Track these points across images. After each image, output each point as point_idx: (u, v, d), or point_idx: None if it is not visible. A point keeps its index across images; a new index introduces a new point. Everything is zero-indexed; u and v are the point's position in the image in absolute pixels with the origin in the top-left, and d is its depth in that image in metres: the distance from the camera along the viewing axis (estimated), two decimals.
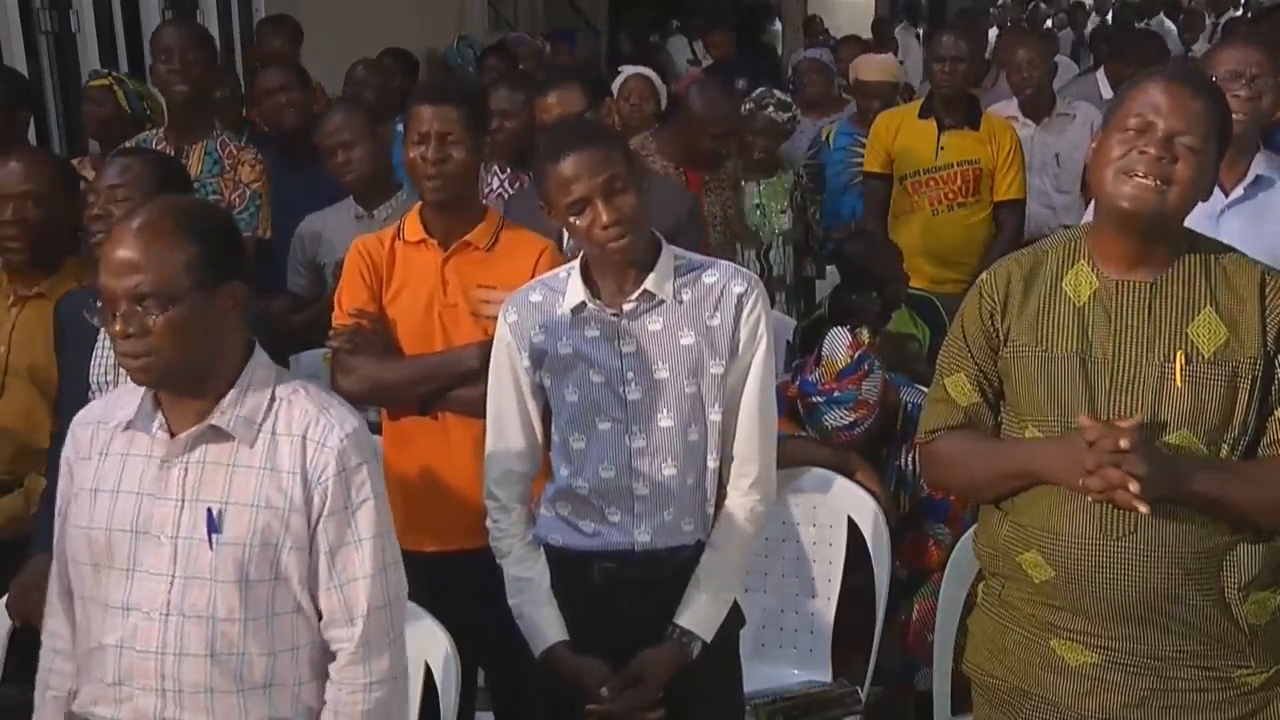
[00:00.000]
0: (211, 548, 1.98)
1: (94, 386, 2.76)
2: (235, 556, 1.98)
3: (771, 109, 5.05)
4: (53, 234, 3.09)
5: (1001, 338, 2.25)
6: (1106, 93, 5.93)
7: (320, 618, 2.06)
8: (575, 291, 2.39)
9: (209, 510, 1.99)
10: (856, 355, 3.27)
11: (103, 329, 2.72)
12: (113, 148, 4.30)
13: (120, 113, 4.53)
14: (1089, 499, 2.09)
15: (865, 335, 3.35)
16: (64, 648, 2.16)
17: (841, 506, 3.21)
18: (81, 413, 2.18)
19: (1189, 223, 2.20)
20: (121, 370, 2.68)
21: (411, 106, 2.81)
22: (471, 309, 2.75)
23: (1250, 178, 3.16)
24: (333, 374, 2.88)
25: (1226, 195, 3.12)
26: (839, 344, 3.29)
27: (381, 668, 2.06)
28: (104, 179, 2.84)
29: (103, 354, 2.75)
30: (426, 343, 2.78)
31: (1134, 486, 2.03)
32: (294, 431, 2.02)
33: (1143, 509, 2.04)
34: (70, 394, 2.84)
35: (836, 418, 3.26)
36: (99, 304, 1.95)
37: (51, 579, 2.18)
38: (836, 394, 3.26)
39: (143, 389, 2.05)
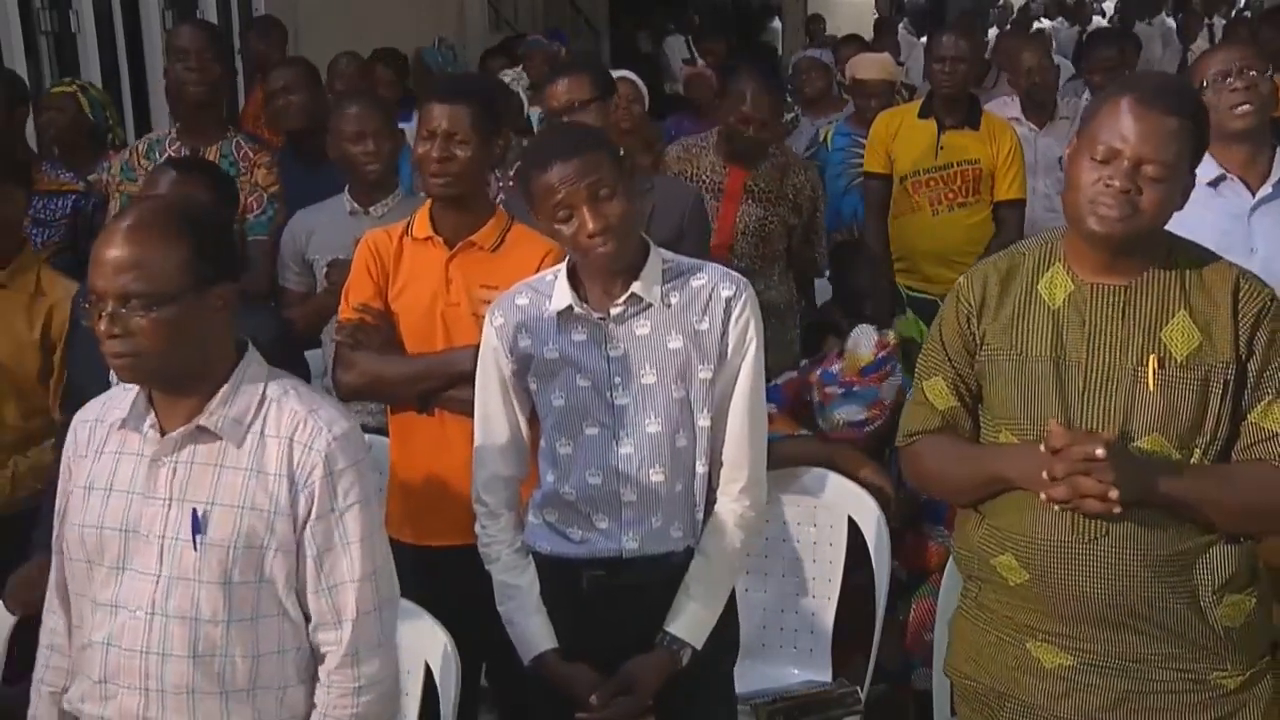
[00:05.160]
0: (195, 549, 1.97)
1: (114, 380, 2.76)
2: (219, 558, 1.97)
3: None
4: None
5: (978, 341, 2.24)
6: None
7: (308, 621, 2.05)
8: (562, 295, 2.37)
9: (194, 511, 1.98)
10: (881, 355, 3.26)
11: None
12: (73, 156, 4.27)
13: (82, 120, 4.42)
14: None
15: (892, 337, 3.34)
16: (60, 643, 2.16)
17: (841, 506, 3.20)
18: (81, 410, 2.17)
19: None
20: None
21: (423, 103, 2.84)
22: (473, 309, 2.74)
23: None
24: (334, 367, 2.90)
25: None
26: (866, 340, 3.28)
27: (370, 671, 2.05)
28: (157, 189, 2.83)
29: None
30: (428, 340, 2.79)
31: (1114, 494, 2.02)
32: (282, 433, 2.01)
33: (1116, 510, 2.04)
34: (82, 389, 2.82)
35: (850, 413, 3.25)
36: (86, 304, 1.94)
37: (51, 575, 2.17)
38: (857, 388, 3.25)
39: (136, 387, 2.04)
